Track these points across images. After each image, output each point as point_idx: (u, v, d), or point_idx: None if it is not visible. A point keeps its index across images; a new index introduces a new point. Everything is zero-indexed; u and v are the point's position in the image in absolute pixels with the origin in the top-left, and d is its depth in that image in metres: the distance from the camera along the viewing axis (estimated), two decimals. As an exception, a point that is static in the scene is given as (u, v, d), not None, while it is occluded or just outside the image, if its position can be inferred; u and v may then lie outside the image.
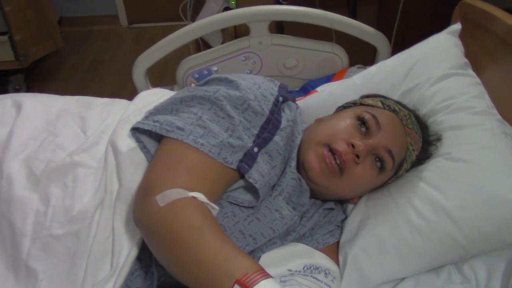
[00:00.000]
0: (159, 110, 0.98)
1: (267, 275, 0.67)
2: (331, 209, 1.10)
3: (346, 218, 1.09)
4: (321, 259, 1.00)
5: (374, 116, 0.99)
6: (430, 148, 1.06)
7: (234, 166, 0.89)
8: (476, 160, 0.98)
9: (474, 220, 0.93)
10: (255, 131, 0.94)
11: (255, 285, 0.65)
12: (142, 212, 0.81)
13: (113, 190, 0.92)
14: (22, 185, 0.92)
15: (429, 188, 0.99)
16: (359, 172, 0.97)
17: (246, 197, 0.93)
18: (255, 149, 0.93)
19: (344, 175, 0.96)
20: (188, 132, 0.88)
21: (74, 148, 0.98)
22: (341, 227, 1.09)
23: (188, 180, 0.83)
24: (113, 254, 0.86)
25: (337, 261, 1.03)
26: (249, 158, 0.91)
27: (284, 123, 0.99)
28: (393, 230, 0.98)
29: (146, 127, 0.93)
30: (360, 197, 1.09)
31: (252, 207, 0.94)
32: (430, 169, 1.02)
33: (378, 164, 0.98)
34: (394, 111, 1.03)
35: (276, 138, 0.96)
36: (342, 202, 1.13)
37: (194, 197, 0.79)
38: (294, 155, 1.01)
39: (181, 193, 0.78)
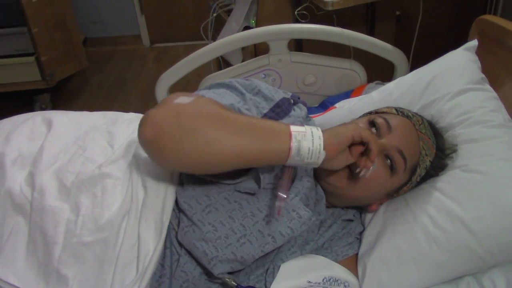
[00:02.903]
0: None
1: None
2: (350, 220, 1.11)
3: (364, 229, 1.11)
4: (341, 272, 1.02)
5: (385, 120, 1.02)
6: (446, 158, 1.07)
7: None
8: (493, 171, 0.99)
9: (491, 231, 0.93)
10: (263, 111, 1.00)
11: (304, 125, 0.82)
12: (168, 113, 0.80)
13: (138, 199, 0.96)
14: (54, 196, 0.96)
15: (446, 199, 1.00)
16: (371, 171, 0.98)
17: (253, 186, 0.96)
18: None
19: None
20: (203, 94, 0.96)
21: (102, 160, 1.02)
22: (359, 239, 1.10)
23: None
24: (138, 260, 0.89)
25: (356, 274, 1.04)
26: None
27: (293, 113, 1.04)
28: (411, 241, 0.99)
29: None
30: (378, 204, 1.09)
31: (270, 208, 0.96)
32: (447, 180, 1.03)
33: (389, 163, 0.99)
34: (407, 116, 1.06)
35: (284, 121, 1.00)
36: (360, 210, 1.14)
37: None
38: None
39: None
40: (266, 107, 1.00)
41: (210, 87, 1.03)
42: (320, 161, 0.83)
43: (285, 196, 0.85)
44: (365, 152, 0.92)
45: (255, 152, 0.81)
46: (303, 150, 0.80)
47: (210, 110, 0.82)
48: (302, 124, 0.82)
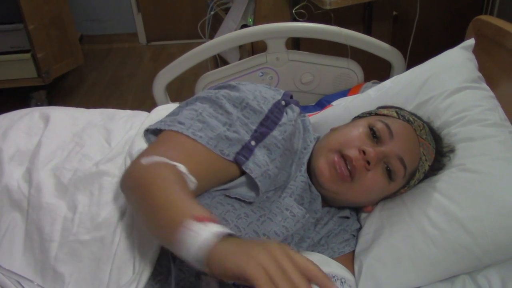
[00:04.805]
0: (169, 114, 1.03)
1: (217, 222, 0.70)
2: (346, 217, 1.12)
3: (360, 227, 1.11)
4: (337, 268, 1.02)
5: (387, 125, 1.01)
6: (444, 159, 1.07)
7: (231, 158, 0.93)
8: (490, 171, 1.00)
9: (488, 230, 0.94)
10: (253, 127, 0.98)
11: (210, 222, 0.67)
12: (126, 172, 0.88)
13: None
14: (51, 193, 0.96)
15: (443, 198, 1.00)
16: (370, 179, 0.98)
17: (249, 194, 0.96)
18: (252, 143, 0.96)
19: (354, 181, 0.98)
20: (188, 126, 0.93)
21: (99, 158, 1.02)
22: (356, 236, 1.11)
23: (175, 154, 0.88)
24: (135, 260, 0.89)
25: (352, 271, 1.04)
26: (246, 150, 0.94)
27: (283, 120, 1.02)
28: (407, 240, 0.99)
29: (153, 127, 0.99)
30: (373, 205, 1.10)
31: (263, 208, 0.97)
32: (444, 179, 1.03)
33: (389, 172, 0.99)
34: (408, 121, 1.05)
35: (275, 132, 0.99)
36: (356, 210, 1.15)
37: (175, 165, 0.84)
38: (305, 160, 1.05)
39: (165, 159, 0.84)
40: (255, 122, 0.98)
41: (196, 99, 1.01)
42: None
43: None
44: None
45: (163, 239, 0.77)
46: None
47: (152, 176, 0.81)
48: (203, 218, 0.69)
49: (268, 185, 0.97)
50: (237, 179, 0.97)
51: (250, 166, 0.93)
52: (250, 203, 0.96)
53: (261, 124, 0.99)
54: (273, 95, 1.04)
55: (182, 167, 0.84)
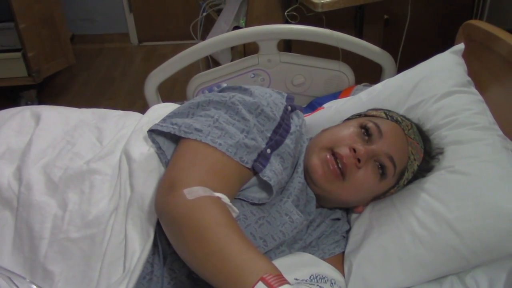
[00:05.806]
0: (176, 114, 1.02)
1: (287, 282, 0.70)
2: (338, 219, 1.12)
3: (350, 228, 1.12)
4: (327, 269, 1.02)
5: (376, 125, 1.03)
6: (433, 161, 1.08)
7: (249, 166, 0.94)
8: (478, 173, 1.01)
9: (475, 231, 0.95)
10: (268, 134, 0.99)
11: (279, 286, 0.67)
12: (168, 204, 0.83)
13: (126, 196, 0.96)
14: (41, 191, 0.95)
15: (431, 199, 1.01)
16: (361, 177, 0.99)
17: (256, 195, 0.97)
18: (268, 151, 0.97)
19: (346, 180, 0.99)
20: (206, 133, 0.93)
21: (90, 156, 1.02)
22: (346, 237, 1.12)
23: (211, 179, 0.87)
24: (125, 258, 0.89)
25: (342, 272, 1.05)
26: (262, 158, 0.96)
27: (293, 128, 1.04)
28: (396, 240, 1.00)
29: (165, 129, 0.97)
30: (364, 206, 1.11)
31: (262, 211, 0.97)
32: (433, 181, 1.04)
33: (380, 170, 1.01)
34: (396, 121, 1.07)
35: (287, 141, 1.01)
36: (347, 211, 1.16)
37: (219, 197, 0.83)
38: (301, 161, 1.05)
39: (208, 191, 0.83)
40: (270, 129, 1.00)
41: (209, 103, 1.00)
42: None
43: None
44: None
45: (211, 282, 0.75)
46: None
47: (207, 219, 0.79)
48: (279, 278, 0.70)
49: (277, 192, 0.98)
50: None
51: (267, 174, 0.94)
52: (252, 204, 0.97)
53: (275, 131, 1.00)
54: (280, 100, 1.06)
55: (226, 199, 0.84)
